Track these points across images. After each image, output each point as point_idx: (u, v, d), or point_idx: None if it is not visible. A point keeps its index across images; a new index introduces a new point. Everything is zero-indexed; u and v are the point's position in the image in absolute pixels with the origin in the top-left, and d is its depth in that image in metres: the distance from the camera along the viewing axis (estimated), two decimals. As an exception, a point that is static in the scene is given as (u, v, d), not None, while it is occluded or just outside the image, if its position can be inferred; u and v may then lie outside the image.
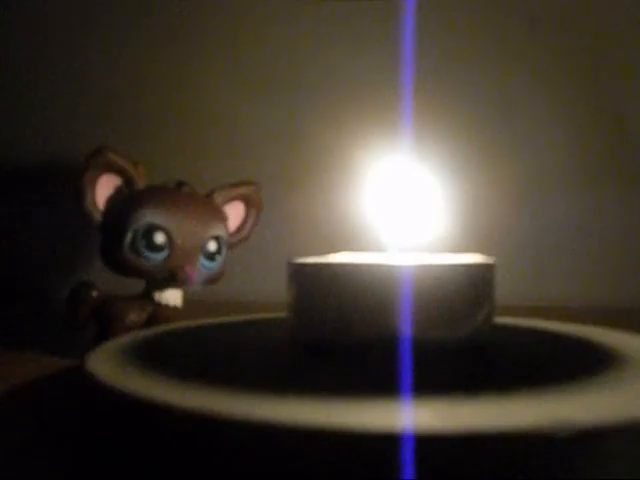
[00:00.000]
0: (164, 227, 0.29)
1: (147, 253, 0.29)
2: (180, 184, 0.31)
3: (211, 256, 0.30)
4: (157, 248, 0.29)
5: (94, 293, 0.29)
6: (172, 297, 0.30)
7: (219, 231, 0.31)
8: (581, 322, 0.26)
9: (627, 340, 0.23)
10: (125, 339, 0.24)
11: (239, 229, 0.34)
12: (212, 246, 0.30)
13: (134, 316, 0.29)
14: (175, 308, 0.30)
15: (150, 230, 0.29)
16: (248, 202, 0.34)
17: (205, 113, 0.56)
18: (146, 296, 0.30)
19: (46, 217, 0.52)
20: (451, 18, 0.54)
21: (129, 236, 0.29)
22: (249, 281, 0.53)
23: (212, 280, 0.31)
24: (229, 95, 0.56)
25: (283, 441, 0.13)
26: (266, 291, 0.45)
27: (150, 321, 0.29)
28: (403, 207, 0.26)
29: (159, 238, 0.29)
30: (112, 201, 0.30)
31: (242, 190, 0.33)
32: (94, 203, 0.29)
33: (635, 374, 0.18)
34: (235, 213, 0.34)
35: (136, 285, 0.31)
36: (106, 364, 0.19)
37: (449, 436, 0.13)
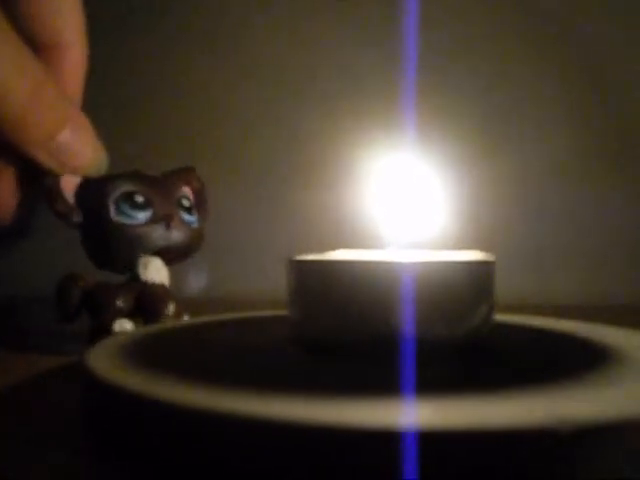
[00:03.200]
0: (140, 190, 0.30)
1: (134, 213, 0.30)
2: (136, 171, 0.32)
3: (188, 210, 0.32)
4: (140, 206, 0.30)
5: (80, 282, 0.30)
6: (157, 272, 0.30)
7: (185, 192, 0.33)
8: (581, 319, 0.26)
9: (627, 337, 0.23)
10: (124, 336, 0.24)
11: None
12: (186, 202, 0.32)
13: (122, 300, 0.29)
14: (161, 285, 0.30)
15: (129, 195, 0.30)
16: (191, 185, 0.34)
17: (203, 110, 0.56)
18: (132, 279, 0.30)
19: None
20: (453, 16, 0.54)
21: (112, 207, 0.30)
22: (248, 278, 0.53)
23: (197, 238, 0.32)
24: (228, 93, 0.56)
25: (282, 439, 0.13)
26: (266, 288, 0.45)
27: (139, 302, 0.30)
28: (404, 204, 0.26)
29: (139, 198, 0.30)
30: (80, 194, 0.30)
31: (182, 175, 0.34)
32: (66, 203, 0.30)
33: (635, 371, 0.18)
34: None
35: (120, 278, 0.31)
36: (106, 361, 0.19)
37: (449, 434, 0.13)
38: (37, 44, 0.29)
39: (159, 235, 0.30)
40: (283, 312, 0.23)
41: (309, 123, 0.54)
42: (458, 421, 0.13)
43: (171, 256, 0.31)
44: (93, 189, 0.30)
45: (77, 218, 0.30)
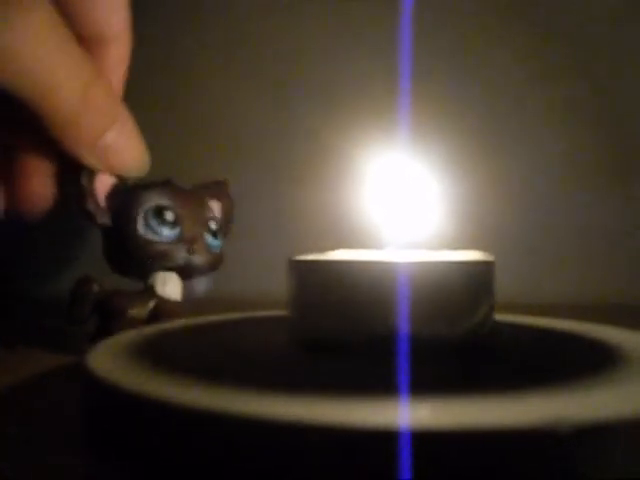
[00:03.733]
0: (171, 206, 0.30)
1: (161, 229, 0.29)
2: (168, 180, 0.31)
3: (214, 234, 0.31)
4: (169, 224, 0.30)
5: (95, 288, 0.30)
6: (174, 289, 0.30)
7: (214, 214, 0.32)
8: (580, 319, 0.26)
9: (628, 337, 0.23)
10: (125, 336, 0.24)
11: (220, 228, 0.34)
12: (213, 225, 0.32)
13: (136, 311, 0.29)
14: (177, 302, 0.30)
15: (160, 209, 0.30)
16: (220, 200, 0.34)
17: (202, 111, 0.56)
18: (148, 291, 0.30)
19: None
20: (450, 16, 0.54)
21: (141, 219, 0.29)
22: (248, 278, 0.53)
23: (217, 262, 0.32)
24: (227, 93, 0.56)
25: (280, 438, 0.13)
26: (266, 288, 0.45)
27: (153, 316, 0.29)
28: (403, 204, 0.26)
29: (169, 215, 0.30)
30: (111, 196, 0.30)
31: (212, 189, 0.33)
32: (96, 203, 0.29)
33: (635, 371, 0.18)
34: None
35: (137, 283, 0.31)
36: (107, 361, 0.19)
37: (447, 434, 0.13)
38: (82, 37, 0.28)
39: (181, 256, 0.30)
40: (283, 312, 0.23)
41: (309, 123, 0.54)
42: (457, 421, 0.13)
43: (188, 275, 0.31)
44: (126, 195, 0.30)
45: (103, 220, 0.29)
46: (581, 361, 0.20)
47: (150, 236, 0.29)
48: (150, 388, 0.16)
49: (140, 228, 0.29)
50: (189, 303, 0.31)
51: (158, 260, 0.30)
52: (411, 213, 0.26)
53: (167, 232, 0.30)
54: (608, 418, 0.13)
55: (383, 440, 0.13)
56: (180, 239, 0.30)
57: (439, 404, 0.15)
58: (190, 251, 0.30)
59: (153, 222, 0.29)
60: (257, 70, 0.56)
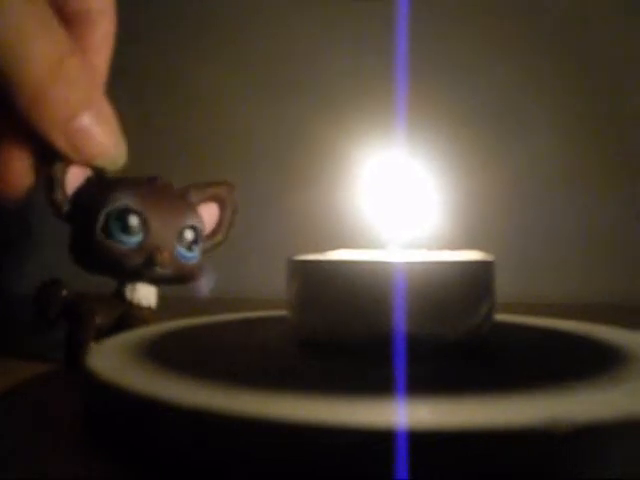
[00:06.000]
0: (139, 210, 0.27)
1: (121, 236, 0.27)
2: (153, 178, 0.30)
3: (188, 245, 0.29)
4: (131, 231, 0.27)
5: (63, 292, 0.28)
6: (145, 296, 0.29)
7: (196, 222, 0.29)
8: (581, 319, 0.26)
9: (627, 337, 0.23)
10: (125, 337, 0.24)
11: (214, 232, 0.32)
12: (189, 234, 0.29)
13: (103, 316, 0.27)
14: (149, 308, 0.28)
15: (124, 212, 0.27)
16: (222, 203, 0.32)
17: (202, 111, 0.56)
18: (118, 295, 0.29)
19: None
20: (448, 17, 0.54)
21: (101, 220, 0.27)
22: (248, 278, 0.53)
23: (187, 275, 0.29)
24: (227, 93, 0.56)
25: (279, 438, 0.13)
26: (266, 288, 0.45)
27: (121, 322, 0.28)
28: (403, 204, 0.26)
29: (133, 220, 0.27)
30: (82, 190, 0.28)
31: (215, 191, 0.31)
32: (64, 195, 0.28)
33: (635, 371, 0.18)
34: (209, 214, 0.32)
35: (109, 284, 0.29)
36: (106, 361, 0.19)
37: (446, 434, 0.13)
38: (65, 13, 0.26)
39: (143, 265, 0.27)
40: (283, 312, 0.23)
41: (309, 125, 0.54)
42: (457, 421, 0.13)
43: (158, 283, 0.29)
44: (95, 191, 0.28)
45: (67, 209, 0.28)
46: (581, 361, 0.20)
47: (107, 239, 0.27)
48: (149, 388, 0.16)
49: (98, 229, 0.27)
50: (187, 306, 0.30)
51: (118, 266, 0.28)
52: (411, 213, 0.26)
53: (125, 238, 0.27)
54: (608, 418, 0.13)
55: (382, 440, 0.13)
56: (141, 247, 0.27)
57: (439, 404, 0.15)
58: (151, 261, 0.27)
59: (113, 225, 0.27)
60: (257, 73, 0.56)
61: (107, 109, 0.26)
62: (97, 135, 0.26)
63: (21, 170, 0.26)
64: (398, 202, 0.26)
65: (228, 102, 0.56)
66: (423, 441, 0.13)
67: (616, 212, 0.53)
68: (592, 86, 0.53)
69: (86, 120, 0.25)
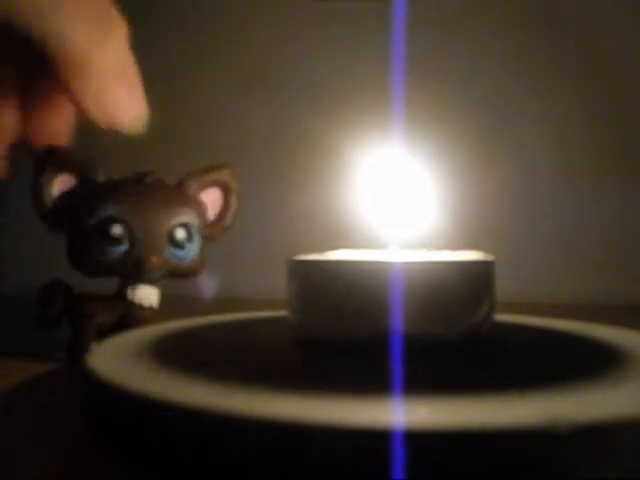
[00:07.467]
0: (122, 219, 0.27)
1: (107, 246, 0.27)
2: (143, 174, 0.30)
3: (180, 245, 0.29)
4: (115, 241, 0.27)
5: (63, 292, 0.29)
6: (146, 296, 0.29)
7: (187, 218, 0.29)
8: (581, 319, 0.26)
9: (627, 337, 0.23)
10: (125, 337, 0.24)
11: (220, 217, 0.32)
12: (180, 234, 0.29)
13: (104, 316, 0.28)
14: (150, 308, 0.29)
15: (106, 223, 0.27)
16: (224, 187, 0.32)
17: (201, 110, 0.56)
18: (119, 296, 0.29)
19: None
20: (447, 15, 0.54)
21: (88, 230, 0.27)
22: (248, 278, 0.53)
23: (186, 272, 0.29)
24: (226, 92, 0.56)
25: (278, 438, 0.13)
26: (266, 288, 0.45)
27: (122, 322, 0.28)
28: (402, 204, 0.26)
29: (116, 230, 0.27)
30: (67, 199, 0.29)
31: (215, 176, 0.31)
32: (50, 202, 0.28)
33: (635, 371, 0.18)
34: (213, 200, 0.32)
35: (110, 284, 0.29)
36: (106, 361, 0.19)
37: (446, 434, 0.13)
38: None
39: (126, 270, 0.28)
40: (283, 312, 0.23)
41: (308, 124, 0.54)
42: (456, 421, 0.13)
43: (158, 283, 0.29)
44: (77, 201, 0.28)
45: (52, 219, 0.28)
46: (581, 361, 0.20)
47: (95, 249, 0.27)
48: (149, 388, 0.16)
49: (85, 240, 0.27)
50: (187, 305, 0.30)
51: (106, 272, 0.28)
52: (411, 213, 0.26)
53: (111, 248, 0.27)
54: (608, 418, 0.13)
55: (381, 440, 0.13)
56: (128, 255, 0.27)
57: (438, 404, 0.15)
58: (139, 269, 0.27)
59: (98, 236, 0.27)
60: (256, 72, 0.56)
61: (137, 78, 0.28)
62: (125, 104, 0.27)
63: (57, 123, 0.28)
64: (397, 202, 0.26)
65: (226, 102, 0.56)
66: (421, 441, 0.13)
67: (616, 212, 0.53)
68: (592, 87, 0.54)
69: (118, 90, 0.27)
